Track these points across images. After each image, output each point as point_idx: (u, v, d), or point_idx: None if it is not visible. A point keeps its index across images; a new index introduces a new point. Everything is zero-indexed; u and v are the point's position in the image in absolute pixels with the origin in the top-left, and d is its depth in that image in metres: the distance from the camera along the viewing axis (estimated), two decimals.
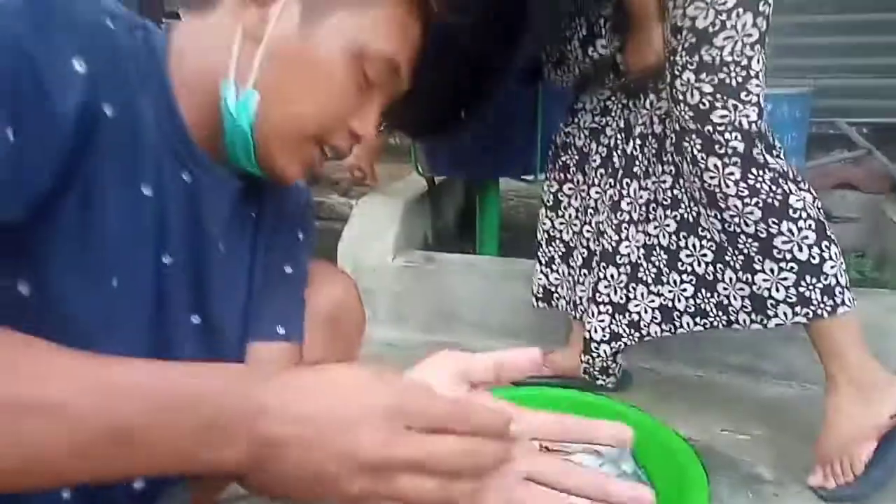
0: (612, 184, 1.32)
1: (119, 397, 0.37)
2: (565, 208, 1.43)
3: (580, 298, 1.41)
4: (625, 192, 1.30)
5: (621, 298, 1.32)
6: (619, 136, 1.32)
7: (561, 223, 1.44)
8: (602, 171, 1.36)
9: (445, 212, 2.17)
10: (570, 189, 1.42)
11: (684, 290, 1.26)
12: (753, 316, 1.18)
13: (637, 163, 1.29)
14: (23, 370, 0.36)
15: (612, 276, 1.32)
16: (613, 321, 1.33)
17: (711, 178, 1.10)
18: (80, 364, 0.38)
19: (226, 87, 0.57)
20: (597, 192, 1.37)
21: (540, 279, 1.47)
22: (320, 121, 0.59)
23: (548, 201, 1.45)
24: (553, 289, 1.47)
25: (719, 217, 1.13)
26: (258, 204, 0.69)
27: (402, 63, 0.60)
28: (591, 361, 1.38)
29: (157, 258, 0.56)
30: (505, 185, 2.00)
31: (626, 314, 1.32)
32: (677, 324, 1.29)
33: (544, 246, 1.46)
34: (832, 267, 1.09)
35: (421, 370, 0.48)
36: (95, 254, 0.50)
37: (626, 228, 1.30)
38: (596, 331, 1.34)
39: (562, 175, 1.42)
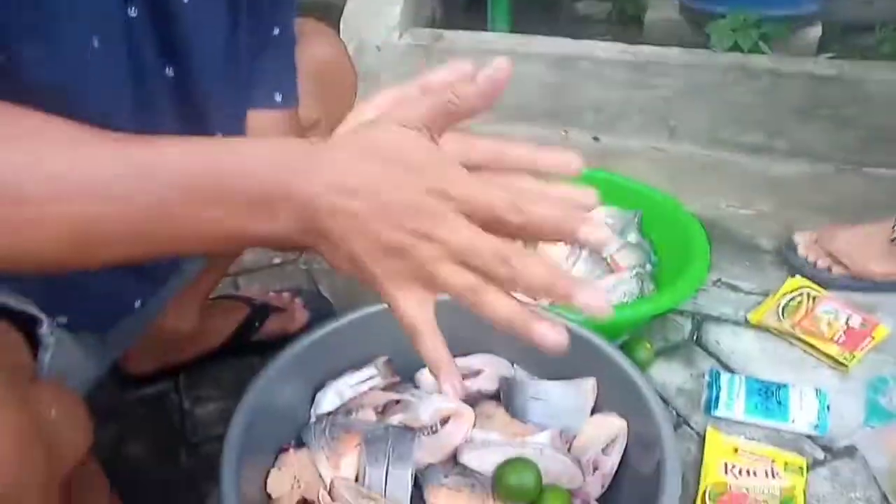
0: None
1: (158, 177, 0.37)
2: None
3: None
4: None
5: None
6: None
7: None
8: None
9: None
10: None
11: None
12: None
13: None
14: (50, 154, 0.36)
15: None
16: None
17: None
18: (112, 145, 0.38)
19: None
20: None
21: None
22: None
23: None
24: None
25: None
26: None
27: None
28: None
29: (123, 11, 0.53)
30: None
31: None
32: None
33: None
34: None
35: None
36: (64, 11, 0.47)
37: None
38: None
39: None
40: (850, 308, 1.03)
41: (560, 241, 0.40)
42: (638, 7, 1.98)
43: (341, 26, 1.70)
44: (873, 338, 0.98)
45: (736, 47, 1.53)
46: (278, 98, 0.69)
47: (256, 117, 0.68)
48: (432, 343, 0.40)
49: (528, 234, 0.40)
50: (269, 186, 0.38)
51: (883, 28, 1.67)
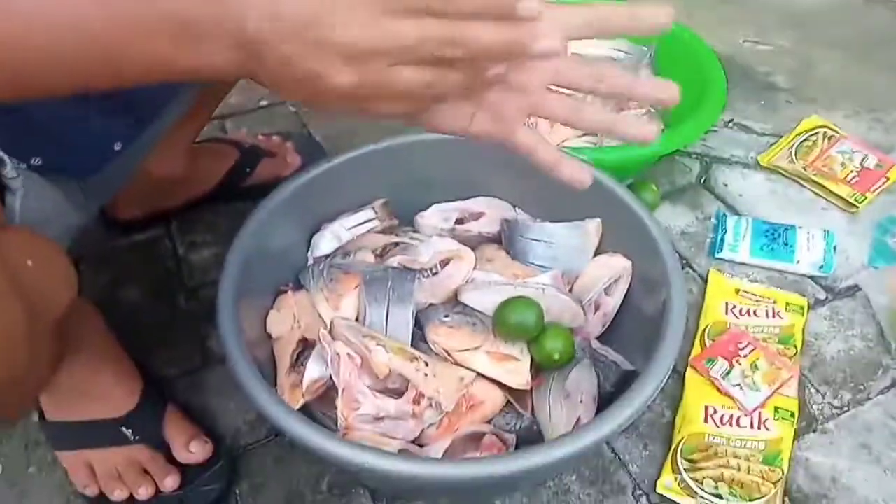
0: None
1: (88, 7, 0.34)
2: None
3: None
4: None
5: None
6: None
7: None
8: None
9: None
10: None
11: None
12: None
13: None
14: None
15: None
16: None
17: None
18: None
19: None
20: None
21: None
22: None
23: None
24: None
25: None
26: None
27: None
28: None
29: None
30: None
31: None
32: None
33: None
34: None
35: None
36: None
37: None
38: None
39: None
40: (868, 148, 0.98)
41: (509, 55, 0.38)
42: None
43: None
44: (888, 178, 0.94)
45: None
46: None
47: None
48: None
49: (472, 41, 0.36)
50: (195, 12, 0.34)
51: None
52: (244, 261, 0.64)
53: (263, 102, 1.14)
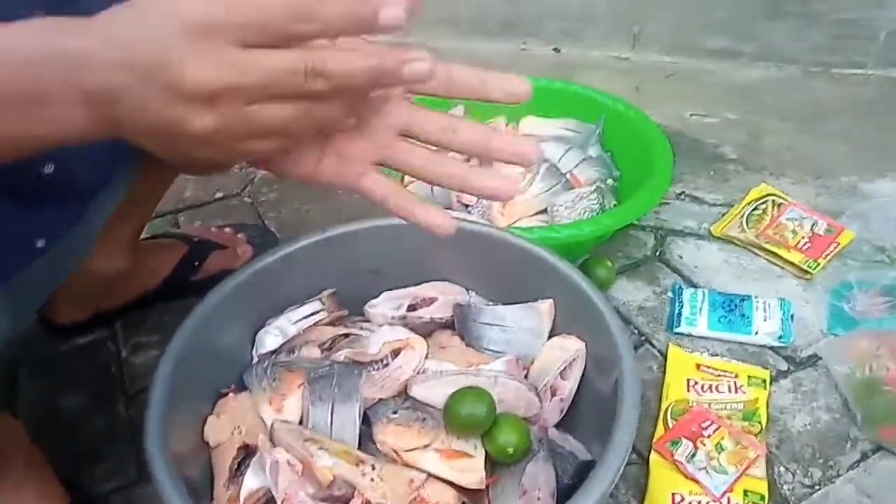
0: None
1: None
2: None
3: None
4: None
5: None
6: None
7: None
8: None
9: None
10: None
11: None
12: None
13: None
14: None
15: None
16: None
17: None
18: None
19: None
20: None
21: None
22: None
23: None
24: None
25: None
26: None
27: None
28: None
29: None
30: None
31: None
32: None
33: None
34: None
35: None
36: None
37: None
38: None
39: None
40: (816, 213, 1.00)
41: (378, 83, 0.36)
42: None
43: None
44: (838, 243, 0.95)
45: None
46: None
47: None
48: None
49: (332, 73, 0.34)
50: (36, 77, 0.32)
51: None
52: (179, 365, 0.61)
53: (219, 195, 1.13)
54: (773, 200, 1.02)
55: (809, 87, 1.34)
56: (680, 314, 0.86)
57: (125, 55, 0.32)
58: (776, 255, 0.95)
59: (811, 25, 1.34)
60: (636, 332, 0.87)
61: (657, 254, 0.99)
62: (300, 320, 0.73)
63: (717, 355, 0.83)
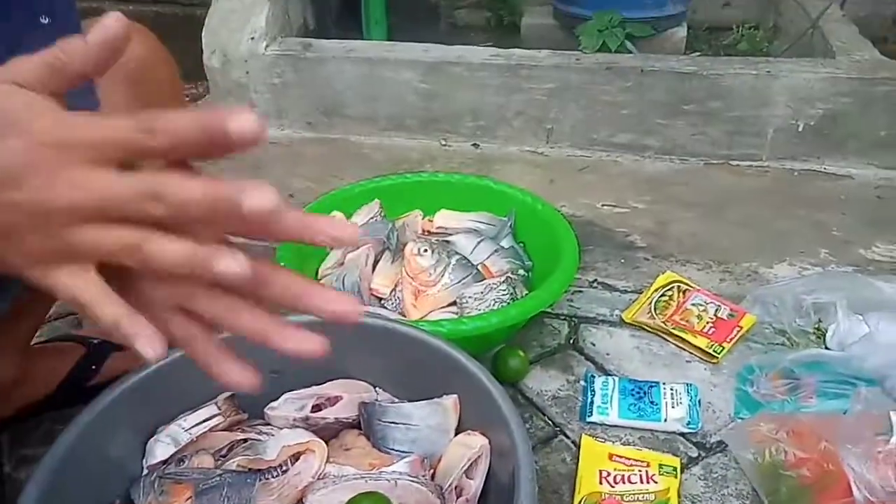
0: None
1: None
2: None
3: None
4: None
5: None
6: None
7: None
8: None
9: None
10: None
11: None
12: None
13: None
14: None
15: None
16: None
17: None
18: None
19: None
20: None
21: None
22: None
23: None
24: None
25: None
26: None
27: None
28: None
29: None
30: None
31: None
32: None
33: None
34: None
35: None
36: None
37: None
38: None
39: None
40: (719, 299, 1.03)
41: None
42: (514, 13, 1.99)
43: (203, 40, 1.60)
44: (741, 327, 0.98)
45: (604, 48, 1.55)
46: None
47: None
48: (103, 308, 0.33)
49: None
50: None
51: (740, 27, 1.74)
52: (55, 481, 0.57)
53: None
54: (679, 287, 1.06)
55: (711, 177, 1.43)
56: (592, 403, 0.87)
57: None
58: (684, 340, 0.97)
59: (707, 122, 1.44)
60: (550, 422, 0.87)
61: (571, 342, 1.00)
62: (194, 426, 0.70)
63: (629, 444, 0.83)
